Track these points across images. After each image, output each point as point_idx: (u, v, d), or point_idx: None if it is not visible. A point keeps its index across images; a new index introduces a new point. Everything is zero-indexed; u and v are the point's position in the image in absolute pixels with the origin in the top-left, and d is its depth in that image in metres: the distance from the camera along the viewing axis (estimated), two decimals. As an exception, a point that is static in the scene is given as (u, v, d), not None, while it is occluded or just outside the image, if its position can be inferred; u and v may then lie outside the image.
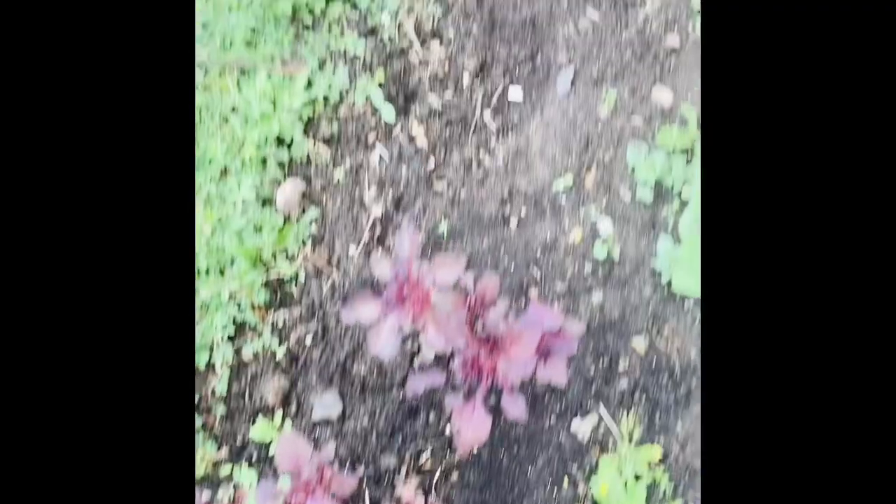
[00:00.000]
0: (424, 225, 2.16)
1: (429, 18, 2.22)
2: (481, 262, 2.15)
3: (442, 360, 2.00)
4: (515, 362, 1.74)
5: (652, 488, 1.97)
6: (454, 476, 2.03)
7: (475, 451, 2.02)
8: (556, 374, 1.79)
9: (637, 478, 1.94)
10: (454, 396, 1.81)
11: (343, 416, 2.02)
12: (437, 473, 2.00)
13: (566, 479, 2.01)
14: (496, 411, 1.84)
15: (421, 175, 2.17)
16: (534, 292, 2.13)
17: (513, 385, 1.79)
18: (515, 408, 1.80)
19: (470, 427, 1.78)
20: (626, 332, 2.10)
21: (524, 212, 2.16)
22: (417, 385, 1.83)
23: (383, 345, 1.72)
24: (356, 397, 2.03)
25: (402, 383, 2.03)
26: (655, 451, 1.97)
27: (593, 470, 1.98)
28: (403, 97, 2.21)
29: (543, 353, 1.79)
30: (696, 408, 2.07)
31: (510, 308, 2.06)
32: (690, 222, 1.96)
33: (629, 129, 2.12)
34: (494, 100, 2.18)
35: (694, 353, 2.07)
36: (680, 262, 1.98)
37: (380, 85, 2.17)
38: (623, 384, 2.09)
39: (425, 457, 2.03)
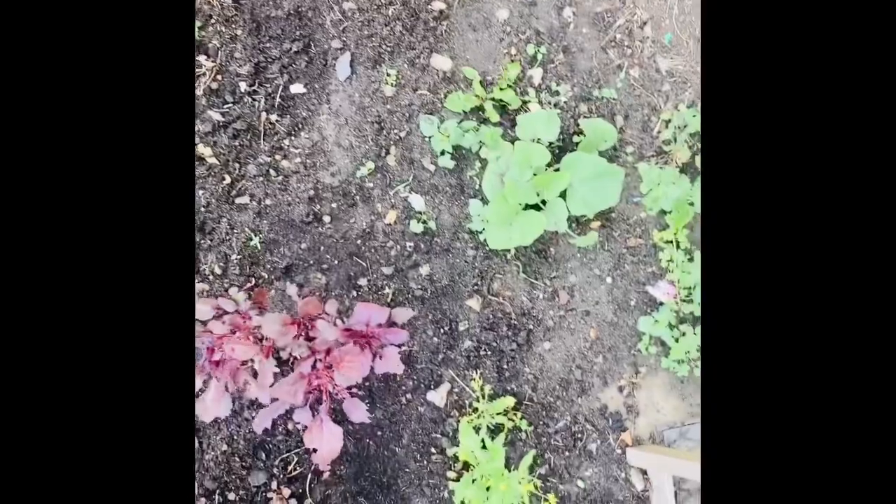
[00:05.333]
0: (234, 243, 2.05)
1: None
2: (304, 265, 2.06)
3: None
4: (349, 373, 1.67)
5: (514, 432, 2.03)
6: (325, 474, 1.96)
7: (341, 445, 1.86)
8: (391, 365, 1.74)
9: (493, 432, 1.98)
10: (302, 412, 1.74)
11: (201, 449, 1.93)
12: (309, 476, 1.94)
13: (432, 448, 2.01)
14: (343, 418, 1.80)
15: (219, 194, 2.08)
16: (363, 281, 2.07)
17: (349, 392, 1.76)
18: (357, 411, 1.77)
19: (323, 443, 1.72)
20: (459, 296, 2.11)
21: (335, 206, 2.12)
22: (263, 421, 1.73)
23: (212, 411, 1.70)
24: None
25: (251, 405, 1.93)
26: (508, 402, 2.02)
27: (456, 432, 2.00)
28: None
29: (375, 350, 1.73)
30: (537, 348, 2.13)
31: (339, 309, 1.98)
32: (493, 181, 2.05)
33: (417, 101, 2.18)
34: (277, 100, 2.13)
35: (525, 298, 2.14)
36: (490, 221, 2.03)
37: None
38: (467, 344, 2.10)
39: (293, 464, 1.94)
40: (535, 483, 1.79)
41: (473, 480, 1.84)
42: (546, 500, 1.83)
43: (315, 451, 1.62)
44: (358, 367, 1.66)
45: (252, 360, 1.63)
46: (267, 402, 1.63)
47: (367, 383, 2.02)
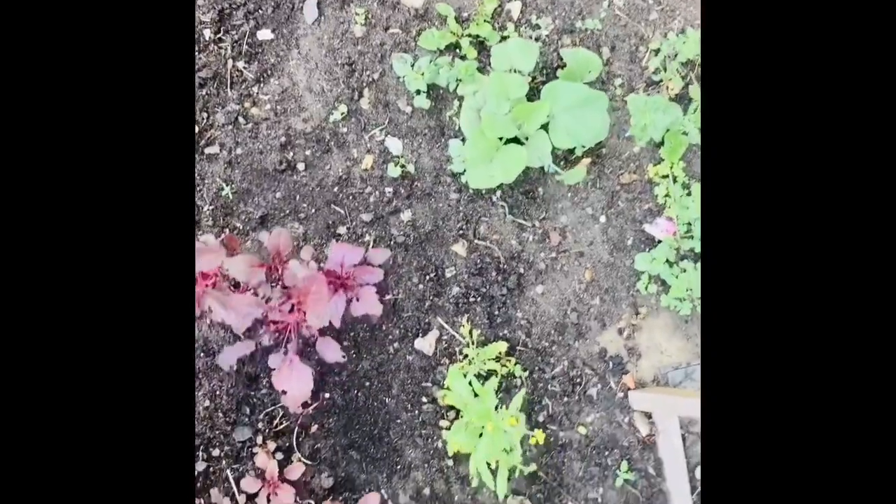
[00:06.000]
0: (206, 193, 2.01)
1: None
2: (280, 214, 2.01)
3: (253, 330, 1.79)
4: (319, 310, 1.61)
5: (508, 379, 1.96)
6: (314, 428, 1.91)
7: (328, 397, 1.93)
8: (369, 306, 1.66)
9: (483, 377, 1.89)
10: (275, 355, 1.67)
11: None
12: (295, 430, 1.90)
13: (423, 398, 1.96)
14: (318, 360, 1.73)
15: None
16: (342, 230, 2.00)
17: (322, 331, 1.66)
18: (330, 351, 1.68)
19: (292, 383, 1.63)
20: (444, 241, 2.03)
21: (308, 153, 2.06)
22: (229, 358, 1.69)
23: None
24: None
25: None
26: (500, 346, 1.93)
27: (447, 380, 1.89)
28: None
29: (352, 290, 1.66)
30: (529, 292, 2.04)
31: (317, 257, 1.93)
32: (470, 116, 1.96)
33: (389, 41, 2.10)
34: (244, 47, 2.08)
35: (514, 241, 2.05)
36: (470, 159, 1.94)
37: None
38: (455, 290, 2.02)
39: (278, 418, 1.91)
40: (517, 418, 1.71)
41: (466, 426, 1.77)
42: (533, 436, 1.75)
43: (285, 393, 1.57)
44: (325, 301, 1.59)
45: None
46: (232, 323, 1.57)
47: (352, 333, 1.96)
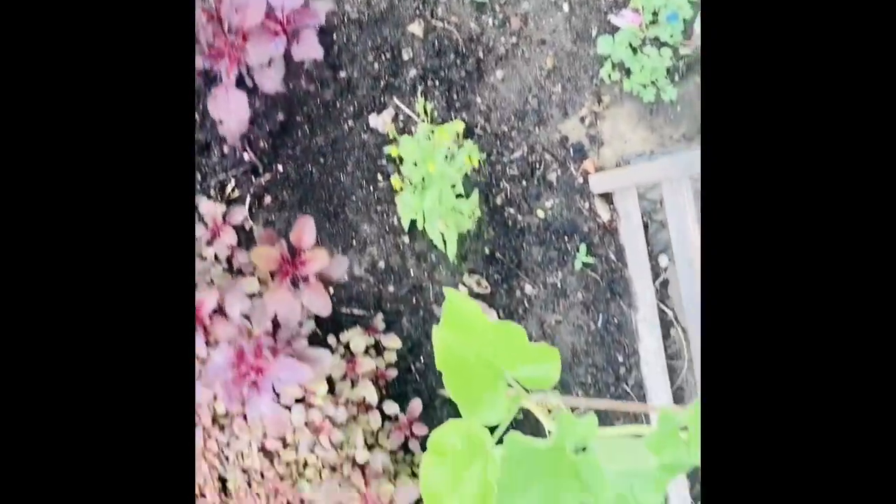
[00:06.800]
0: None
1: None
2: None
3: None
4: (259, 42, 1.57)
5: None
6: (267, 199, 1.90)
7: (281, 171, 1.91)
8: (310, 49, 1.61)
9: (447, 158, 1.74)
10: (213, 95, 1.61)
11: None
12: (248, 200, 1.88)
13: (379, 175, 1.94)
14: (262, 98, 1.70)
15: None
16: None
17: (262, 63, 1.60)
18: (269, 81, 1.63)
19: (229, 111, 1.58)
20: (400, 21, 1.98)
21: None
22: None
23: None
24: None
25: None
26: (458, 126, 1.80)
27: (402, 160, 1.79)
28: None
29: (293, 33, 1.62)
30: (489, 78, 2.00)
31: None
32: None
33: None
34: None
35: (473, 24, 1.99)
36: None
37: None
38: (412, 73, 1.97)
39: (230, 186, 1.88)
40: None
41: (414, 189, 1.74)
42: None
43: (221, 122, 1.53)
44: (265, 37, 1.56)
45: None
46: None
47: (304, 108, 1.92)
